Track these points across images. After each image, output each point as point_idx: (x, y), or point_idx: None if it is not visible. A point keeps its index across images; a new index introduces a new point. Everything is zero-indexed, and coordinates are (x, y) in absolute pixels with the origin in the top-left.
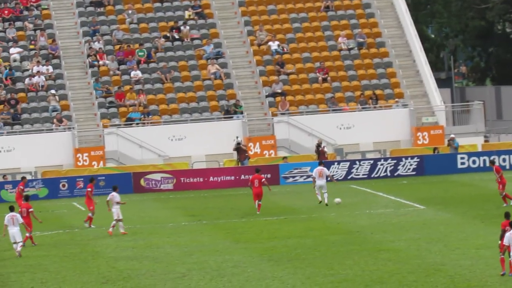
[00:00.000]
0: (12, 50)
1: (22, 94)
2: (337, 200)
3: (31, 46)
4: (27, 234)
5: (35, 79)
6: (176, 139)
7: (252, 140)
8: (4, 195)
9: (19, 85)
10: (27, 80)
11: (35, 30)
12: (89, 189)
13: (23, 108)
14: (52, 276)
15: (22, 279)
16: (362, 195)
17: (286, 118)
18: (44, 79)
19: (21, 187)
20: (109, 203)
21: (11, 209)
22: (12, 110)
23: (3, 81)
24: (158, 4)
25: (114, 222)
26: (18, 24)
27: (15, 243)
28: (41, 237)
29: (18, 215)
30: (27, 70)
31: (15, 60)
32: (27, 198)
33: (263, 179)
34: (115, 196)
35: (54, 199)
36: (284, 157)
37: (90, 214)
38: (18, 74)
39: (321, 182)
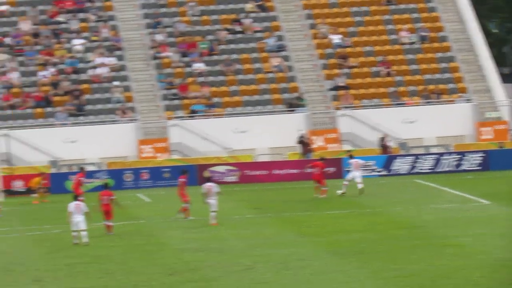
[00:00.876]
0: (75, 42)
1: (86, 85)
2: (339, 192)
3: (94, 38)
4: (108, 223)
5: (98, 70)
6: (239, 132)
7: (316, 134)
8: (69, 185)
9: (83, 76)
10: (90, 72)
11: (97, 21)
12: (183, 180)
13: (87, 99)
14: (119, 267)
15: (89, 269)
16: (426, 190)
17: (349, 112)
18: (107, 70)
19: (80, 178)
20: (206, 195)
21: (75, 198)
22: (76, 101)
23: (67, 72)
24: None
25: (213, 213)
26: (81, 15)
27: (76, 231)
28: (103, 228)
29: (83, 204)
30: (91, 61)
31: (78, 52)
32: (106, 186)
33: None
34: (214, 186)
35: (119, 190)
36: (349, 151)
37: (185, 205)
38: (81, 65)
39: (356, 173)
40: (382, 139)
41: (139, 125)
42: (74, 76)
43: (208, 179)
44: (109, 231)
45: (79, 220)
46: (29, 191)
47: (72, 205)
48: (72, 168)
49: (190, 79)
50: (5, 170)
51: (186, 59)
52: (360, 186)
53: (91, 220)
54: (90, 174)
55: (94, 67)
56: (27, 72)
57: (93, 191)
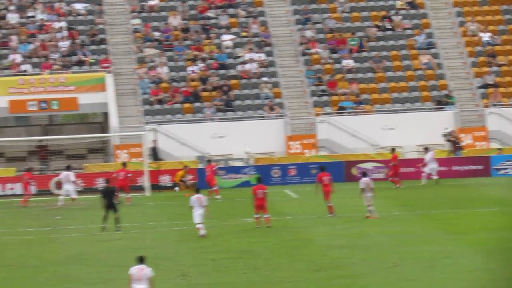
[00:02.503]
0: (224, 37)
1: (234, 81)
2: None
3: (244, 33)
4: (266, 215)
5: (247, 66)
6: (388, 129)
7: (464, 131)
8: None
9: (232, 71)
10: (239, 67)
11: (247, 17)
12: (327, 177)
13: (235, 95)
14: (265, 263)
15: (235, 265)
16: None
17: (498, 110)
18: (256, 66)
19: (213, 168)
20: (364, 190)
21: (197, 191)
22: (224, 97)
23: (216, 67)
24: None
25: (371, 207)
26: (231, 11)
27: (198, 223)
28: (251, 223)
29: (204, 198)
30: (240, 57)
31: (227, 47)
32: (259, 180)
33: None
34: (370, 181)
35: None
36: (499, 149)
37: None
38: (230, 61)
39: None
40: None
41: (287, 121)
42: (222, 72)
43: (364, 174)
44: (267, 223)
45: (198, 213)
46: (174, 185)
47: (194, 198)
48: (219, 163)
49: (338, 76)
50: (152, 165)
51: (335, 55)
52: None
53: (210, 214)
54: (237, 170)
55: (243, 62)
56: (176, 67)
57: (240, 186)
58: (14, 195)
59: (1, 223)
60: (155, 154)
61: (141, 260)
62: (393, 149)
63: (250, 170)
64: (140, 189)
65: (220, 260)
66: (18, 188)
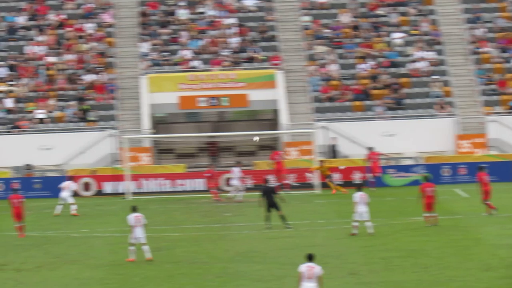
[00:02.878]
0: (394, 35)
1: (405, 79)
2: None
3: (414, 32)
4: (433, 214)
5: (417, 65)
6: None
7: None
8: (387, 179)
9: (402, 70)
10: (409, 65)
11: (417, 15)
12: (485, 176)
13: (406, 93)
14: (434, 262)
15: (404, 263)
16: None
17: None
18: (426, 64)
19: (375, 156)
20: None
21: (359, 189)
22: (395, 95)
23: (386, 65)
24: None
25: None
26: (401, 9)
27: (357, 221)
28: (421, 222)
29: (366, 195)
30: (410, 55)
31: (397, 45)
32: (426, 179)
33: None
34: None
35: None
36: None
37: (487, 202)
38: (400, 59)
39: None
40: None
41: (457, 120)
42: (393, 70)
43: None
44: (434, 223)
45: (363, 211)
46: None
47: (357, 196)
48: (390, 162)
49: (509, 75)
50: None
51: (505, 54)
52: None
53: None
54: (407, 168)
55: (414, 61)
56: (346, 65)
57: (410, 185)
58: (184, 192)
59: (171, 220)
60: (333, 152)
61: (310, 258)
62: None
63: (420, 168)
64: (310, 186)
65: (390, 258)
66: (188, 184)
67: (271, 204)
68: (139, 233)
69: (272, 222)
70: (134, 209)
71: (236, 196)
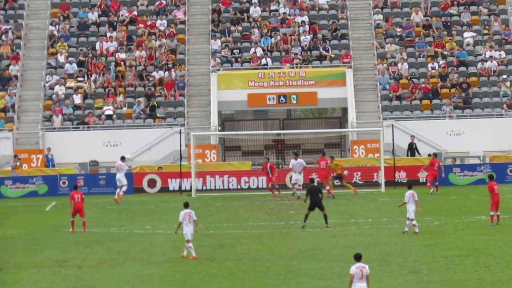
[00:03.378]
0: (465, 34)
1: (474, 78)
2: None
3: (485, 31)
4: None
5: (487, 64)
6: None
7: None
8: (452, 178)
9: (471, 69)
10: (479, 65)
11: (489, 15)
12: None
13: (474, 92)
14: (496, 261)
15: (466, 262)
16: None
17: None
18: (496, 64)
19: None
20: None
21: (410, 187)
22: (463, 94)
23: (456, 64)
24: None
25: None
26: (473, 8)
27: (409, 219)
28: (485, 221)
29: (415, 194)
30: (480, 54)
31: (468, 44)
32: (492, 177)
33: None
34: None
35: (501, 184)
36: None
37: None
38: (471, 58)
39: None
40: None
41: None
42: (462, 69)
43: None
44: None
45: (411, 210)
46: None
47: (408, 194)
48: (455, 161)
49: None
50: (388, 161)
51: None
52: None
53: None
54: (473, 167)
55: (483, 60)
56: (416, 64)
57: (475, 184)
58: (249, 189)
59: (234, 217)
60: (412, 150)
61: (359, 258)
62: None
63: (486, 168)
64: (376, 185)
65: (452, 257)
66: (253, 181)
67: (316, 203)
68: (187, 230)
69: (305, 223)
70: (186, 205)
71: (295, 193)
